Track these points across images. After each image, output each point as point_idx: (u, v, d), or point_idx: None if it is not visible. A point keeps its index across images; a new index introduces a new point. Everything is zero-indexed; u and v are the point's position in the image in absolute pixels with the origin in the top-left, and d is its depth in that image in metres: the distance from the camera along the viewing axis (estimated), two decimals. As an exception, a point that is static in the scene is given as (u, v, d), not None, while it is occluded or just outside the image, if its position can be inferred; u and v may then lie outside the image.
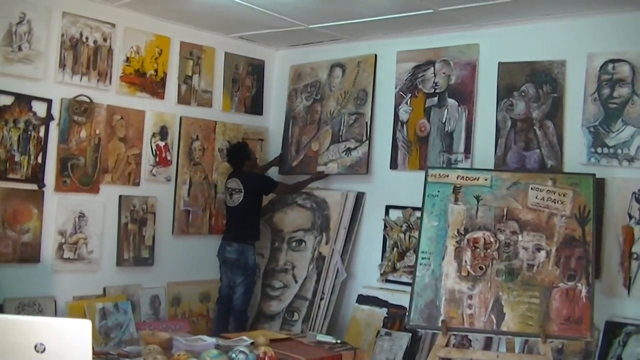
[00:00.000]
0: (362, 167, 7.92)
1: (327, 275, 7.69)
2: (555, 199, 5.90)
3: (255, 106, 8.86)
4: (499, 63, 7.03)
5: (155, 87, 7.77)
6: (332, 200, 7.91)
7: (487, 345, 6.68)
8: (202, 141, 8.20)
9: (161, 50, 7.81)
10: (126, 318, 7.24)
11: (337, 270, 7.71)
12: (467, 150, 7.20)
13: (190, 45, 8.12)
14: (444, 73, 7.42)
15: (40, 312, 6.72)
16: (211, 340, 5.13)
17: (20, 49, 6.71)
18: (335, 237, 7.77)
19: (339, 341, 5.80)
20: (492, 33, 7.13)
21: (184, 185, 8.06)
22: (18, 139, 6.73)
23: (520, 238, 5.88)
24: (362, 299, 7.68)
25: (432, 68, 7.51)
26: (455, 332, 6.07)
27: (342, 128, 8.15)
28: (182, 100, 8.04)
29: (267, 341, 5.23)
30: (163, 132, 7.84)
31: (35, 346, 3.44)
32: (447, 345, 5.83)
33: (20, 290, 6.73)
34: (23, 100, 6.76)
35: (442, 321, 5.79)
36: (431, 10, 6.70)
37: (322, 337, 5.86)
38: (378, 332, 7.31)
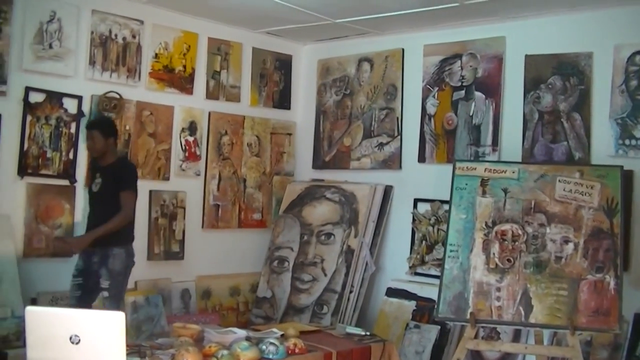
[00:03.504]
0: (395, 161, 7.96)
1: (356, 269, 7.71)
2: (582, 191, 5.89)
3: (283, 101, 8.91)
4: (526, 55, 7.02)
5: (183, 82, 7.83)
6: (361, 194, 7.93)
7: (516, 337, 6.69)
8: (230, 136, 8.25)
9: (189, 46, 7.86)
10: (157, 311, 7.31)
11: (366, 263, 7.74)
12: (495, 143, 7.20)
13: (218, 41, 8.17)
14: (470, 66, 7.43)
15: (72, 305, 6.80)
16: (242, 332, 5.17)
17: (50, 46, 6.79)
18: (364, 230, 7.78)
19: (368, 333, 5.80)
20: (518, 25, 7.13)
21: (213, 179, 8.11)
22: (50, 136, 6.82)
23: (548, 230, 5.88)
24: (391, 292, 7.71)
25: (459, 61, 7.52)
26: (484, 324, 6.09)
27: (373, 123, 8.18)
28: (211, 95, 8.10)
29: (297, 333, 5.27)
30: (192, 127, 7.90)
31: (70, 338, 3.51)
32: (475, 337, 5.86)
33: (53, 284, 6.81)
34: (54, 97, 6.85)
35: (471, 313, 5.81)
36: (457, 4, 6.71)
37: (351, 330, 5.87)
38: (407, 324, 7.33)
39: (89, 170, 6.90)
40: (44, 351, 3.59)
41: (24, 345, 3.86)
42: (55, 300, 6.76)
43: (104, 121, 6.76)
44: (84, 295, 6.45)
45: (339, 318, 7.50)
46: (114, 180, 6.45)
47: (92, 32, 7.11)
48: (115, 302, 6.36)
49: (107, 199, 6.41)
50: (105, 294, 6.38)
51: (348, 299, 7.64)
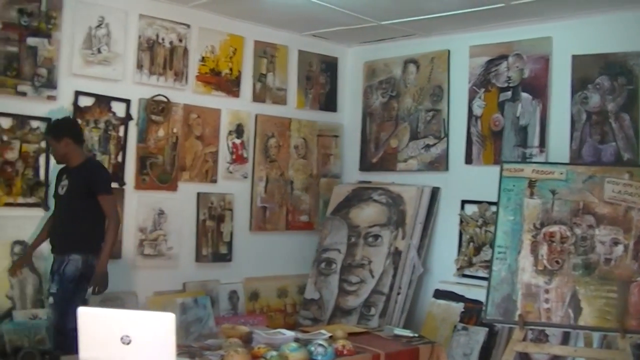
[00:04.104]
0: (442, 163, 7.94)
1: (404, 270, 7.69)
2: (632, 192, 5.84)
3: (329, 103, 8.92)
4: (573, 56, 6.96)
5: (230, 85, 7.87)
6: (408, 196, 7.91)
7: (565, 340, 6.63)
8: (277, 138, 8.28)
9: (235, 49, 7.91)
10: (205, 313, 7.35)
11: (414, 265, 7.72)
12: (542, 144, 7.15)
13: (264, 43, 8.20)
14: (517, 67, 7.38)
15: (122, 306, 6.83)
16: (290, 333, 5.18)
17: (99, 51, 6.87)
18: (411, 232, 7.77)
19: (416, 335, 5.79)
20: (565, 26, 7.07)
21: (260, 182, 8.14)
22: (99, 139, 6.89)
23: (597, 232, 5.83)
24: (439, 294, 7.69)
25: (505, 62, 7.47)
26: (532, 327, 6.05)
27: (419, 124, 8.16)
28: (257, 98, 8.13)
29: (345, 335, 5.27)
30: (239, 130, 7.94)
31: (122, 338, 3.55)
32: (523, 339, 5.82)
33: (103, 286, 6.89)
34: (103, 101, 6.92)
35: (519, 315, 5.78)
36: (503, 4, 6.67)
37: (399, 331, 5.86)
38: (455, 326, 7.31)
39: (57, 175, 6.44)
40: (96, 351, 3.64)
41: (75, 346, 3.91)
42: (105, 302, 6.79)
43: (53, 125, 6.27)
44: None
45: (386, 320, 7.49)
46: (83, 182, 6.07)
47: (139, 37, 7.18)
48: (59, 310, 5.89)
49: (74, 202, 6.07)
50: (51, 299, 5.99)
51: (396, 301, 7.62)
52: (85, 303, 5.87)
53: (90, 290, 5.98)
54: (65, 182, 6.14)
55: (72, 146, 6.11)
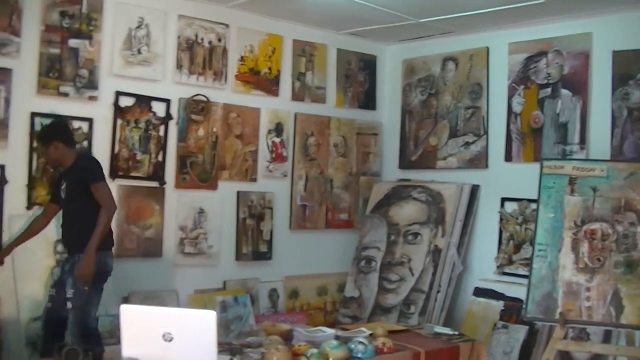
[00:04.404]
0: (482, 161, 7.91)
1: (444, 269, 7.67)
2: (674, 189, 5.80)
3: (368, 101, 8.92)
4: (614, 52, 6.91)
5: (269, 85, 7.90)
6: (448, 194, 7.90)
7: (606, 338, 6.58)
8: (317, 137, 8.30)
9: (274, 49, 7.94)
10: (246, 311, 7.39)
11: (454, 263, 7.70)
12: (583, 141, 7.10)
13: (303, 43, 8.23)
14: (556, 64, 7.33)
15: (163, 305, 6.88)
16: (331, 331, 5.18)
17: (139, 52, 6.93)
18: (451, 230, 7.75)
19: (457, 333, 5.78)
20: (605, 21, 7.00)
21: (300, 180, 8.18)
22: (139, 139, 6.96)
23: (638, 230, 5.78)
24: (479, 292, 7.66)
25: (545, 59, 7.43)
26: (574, 325, 6.01)
27: (459, 122, 8.14)
28: (297, 97, 8.16)
29: (385, 333, 5.27)
30: (278, 129, 7.97)
31: (164, 335, 3.58)
32: (564, 338, 5.79)
33: (144, 284, 6.96)
34: (143, 101, 6.98)
35: (560, 314, 5.74)
36: (542, 1, 6.64)
37: (440, 329, 5.84)
38: (495, 325, 7.28)
39: (57, 181, 6.30)
40: (138, 348, 3.67)
41: (117, 343, 3.95)
42: (146, 300, 6.87)
43: (41, 131, 6.18)
44: (55, 307, 5.92)
45: (426, 318, 7.48)
46: (77, 178, 5.93)
47: (179, 37, 7.23)
48: (78, 315, 5.77)
49: (75, 202, 5.93)
50: (69, 304, 5.77)
51: (435, 299, 7.61)
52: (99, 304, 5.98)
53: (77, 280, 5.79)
54: (64, 186, 6.03)
55: (63, 149, 6.00)
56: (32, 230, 6.20)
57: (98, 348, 5.46)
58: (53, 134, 6.03)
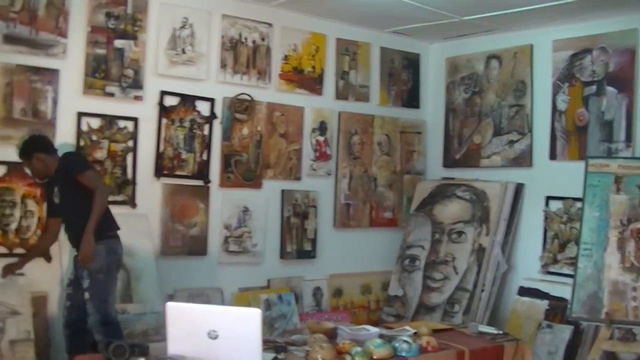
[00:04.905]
0: (526, 159, 7.86)
1: (488, 267, 7.64)
2: None
3: (411, 99, 8.90)
4: (660, 48, 6.86)
5: (313, 83, 7.92)
6: (492, 192, 7.86)
7: (653, 338, 6.53)
8: (360, 135, 8.30)
9: (317, 47, 7.95)
10: (290, 309, 7.41)
11: (498, 262, 7.67)
12: (628, 139, 7.02)
13: (346, 41, 8.23)
14: (601, 60, 7.26)
15: (207, 302, 6.93)
16: (375, 329, 5.19)
17: (183, 51, 6.98)
18: (495, 228, 7.71)
19: (501, 332, 5.75)
20: (651, 17, 6.96)
21: (344, 179, 8.18)
22: (184, 138, 7.01)
23: (685, 228, 5.74)
24: (523, 291, 7.61)
25: (590, 56, 7.36)
26: (620, 325, 5.96)
27: (503, 120, 8.09)
28: (340, 95, 8.17)
29: (429, 331, 5.26)
30: (322, 127, 7.98)
31: (209, 333, 3.61)
32: (610, 338, 5.74)
33: (189, 282, 7.03)
34: (188, 100, 7.03)
35: (606, 313, 5.71)
36: (588, -3, 6.60)
37: (484, 328, 5.82)
38: (539, 324, 7.23)
39: (46, 191, 6.20)
40: (184, 345, 3.71)
41: (162, 340, 3.98)
42: (191, 297, 6.93)
43: (20, 150, 5.94)
44: (74, 305, 5.91)
45: (470, 317, 7.45)
46: (63, 175, 5.82)
47: (222, 36, 7.27)
48: (97, 304, 5.74)
49: (70, 200, 5.87)
50: (87, 295, 5.75)
51: (479, 298, 7.58)
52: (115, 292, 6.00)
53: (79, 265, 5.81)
54: (56, 190, 5.94)
55: (45, 158, 5.89)
56: (40, 248, 6.19)
57: (118, 337, 5.60)
58: (32, 146, 5.90)
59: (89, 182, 5.76)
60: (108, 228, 5.92)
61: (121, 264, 6.07)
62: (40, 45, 6.25)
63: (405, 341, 4.79)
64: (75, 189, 5.77)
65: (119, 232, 6.01)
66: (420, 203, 8.44)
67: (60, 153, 6.03)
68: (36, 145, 5.89)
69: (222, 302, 7.12)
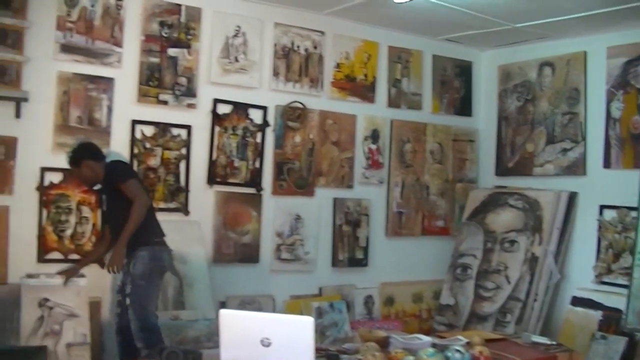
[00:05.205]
0: (579, 167, 7.77)
1: (540, 277, 7.57)
2: None
3: (464, 107, 8.87)
4: None
5: (365, 91, 7.92)
6: (545, 201, 7.79)
7: None
8: (413, 143, 8.28)
9: (370, 55, 7.95)
10: (341, 317, 7.40)
11: (551, 271, 7.59)
12: (684, 146, 6.95)
13: (398, 49, 8.22)
14: (657, 67, 7.20)
15: (259, 309, 6.98)
16: (427, 339, 5.17)
17: (236, 60, 7.03)
18: (548, 237, 7.64)
19: (554, 343, 5.69)
20: None
21: (396, 187, 8.17)
22: (237, 145, 7.05)
23: None
24: (576, 301, 7.53)
25: (645, 62, 7.30)
26: (676, 336, 5.88)
27: (556, 128, 8.02)
28: (392, 103, 8.17)
29: (482, 341, 5.22)
30: (374, 135, 7.98)
31: (262, 340, 3.61)
32: (667, 349, 5.67)
33: (241, 289, 7.07)
34: (240, 108, 7.08)
35: (662, 324, 5.64)
36: (643, 3, 6.52)
37: (537, 339, 5.77)
38: (593, 335, 7.15)
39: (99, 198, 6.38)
40: (237, 352, 3.71)
41: (214, 346, 4.00)
42: (243, 304, 6.97)
43: (69, 157, 5.97)
44: (123, 311, 5.92)
45: (522, 327, 7.39)
46: (108, 183, 5.94)
47: (275, 44, 7.31)
48: (137, 310, 5.77)
49: (115, 207, 5.93)
50: (128, 300, 5.82)
51: (532, 308, 7.51)
52: (157, 299, 5.99)
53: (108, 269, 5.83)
54: (103, 198, 6.10)
55: (94, 165, 5.93)
56: (95, 254, 6.26)
57: (158, 343, 5.58)
58: (81, 153, 5.96)
59: (129, 192, 5.80)
60: (153, 234, 5.98)
61: (165, 271, 6.07)
62: (96, 54, 6.35)
63: (457, 351, 4.75)
64: (119, 197, 5.83)
65: (165, 238, 6.05)
66: (473, 212, 8.39)
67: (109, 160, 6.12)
68: (85, 153, 5.96)
69: (274, 310, 7.16)
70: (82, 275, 6.04)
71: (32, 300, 5.74)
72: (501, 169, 8.66)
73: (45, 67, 6.15)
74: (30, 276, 5.88)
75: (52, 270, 5.98)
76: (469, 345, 5.08)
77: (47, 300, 5.78)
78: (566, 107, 7.94)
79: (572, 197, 7.77)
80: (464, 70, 8.87)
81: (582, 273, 7.66)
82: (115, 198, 5.88)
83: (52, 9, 6.18)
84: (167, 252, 6.03)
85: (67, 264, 6.13)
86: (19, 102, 6.03)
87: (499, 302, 7.75)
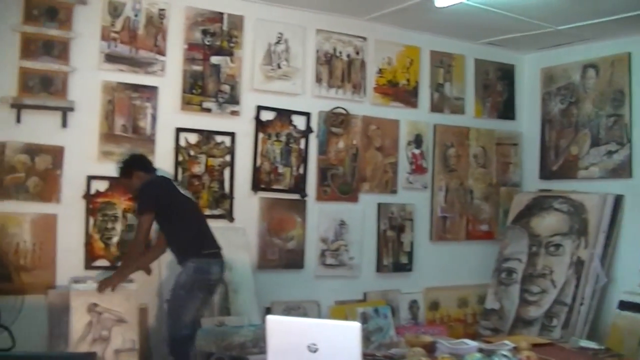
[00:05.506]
0: (625, 170, 7.71)
1: (587, 280, 7.51)
2: None
3: (507, 111, 8.83)
4: None
5: (408, 96, 7.92)
6: (590, 204, 7.73)
7: None
8: (456, 148, 8.27)
9: (412, 60, 7.95)
10: (386, 322, 7.40)
11: (597, 275, 7.53)
12: None
13: (440, 53, 8.21)
14: None
15: (304, 315, 7.02)
16: (474, 343, 5.15)
17: (279, 66, 7.08)
18: (594, 241, 7.58)
19: (602, 347, 5.64)
20: None
21: (440, 191, 8.16)
22: (280, 152, 7.09)
23: None
24: (624, 305, 7.45)
25: (691, 63, 7.23)
26: None
27: (600, 131, 7.96)
28: (435, 108, 8.15)
29: (529, 346, 5.18)
30: (418, 140, 7.98)
31: (309, 346, 3.62)
32: None
33: (285, 294, 7.10)
34: (284, 115, 7.12)
35: None
36: (688, 2, 6.46)
37: (585, 343, 5.72)
38: (641, 339, 7.10)
39: None
40: (284, 358, 3.72)
41: (260, 352, 4.02)
42: (288, 310, 6.99)
43: (120, 167, 6.15)
44: None
45: (569, 331, 7.34)
46: None
47: (317, 51, 7.34)
48: (171, 318, 5.88)
49: (158, 222, 6.04)
50: (165, 306, 6.03)
51: (578, 312, 7.46)
52: (197, 311, 5.95)
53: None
54: None
55: (144, 177, 6.06)
56: (149, 259, 6.31)
57: (185, 356, 5.68)
58: (133, 164, 6.11)
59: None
60: (202, 247, 5.99)
61: (212, 284, 6.04)
62: (140, 63, 6.43)
63: (505, 356, 4.73)
64: (159, 214, 5.95)
65: (219, 250, 6.07)
66: (517, 215, 8.35)
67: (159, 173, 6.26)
68: (136, 164, 6.10)
69: (319, 315, 7.18)
70: (131, 280, 6.12)
71: (81, 306, 5.82)
72: (545, 173, 8.61)
73: (90, 76, 6.25)
74: (76, 281, 5.98)
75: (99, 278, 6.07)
76: (516, 350, 5.05)
77: (96, 305, 5.86)
78: (611, 109, 7.88)
79: (618, 200, 7.70)
80: (507, 74, 8.83)
81: (628, 276, 7.57)
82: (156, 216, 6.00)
83: (97, 20, 6.27)
84: (218, 265, 6.01)
85: (113, 271, 6.19)
86: (65, 111, 6.14)
87: (544, 306, 7.70)
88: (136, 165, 6.09)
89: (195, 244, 5.96)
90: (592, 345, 5.65)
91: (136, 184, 6.04)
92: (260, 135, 6.98)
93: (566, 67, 8.43)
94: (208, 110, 6.73)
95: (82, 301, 5.82)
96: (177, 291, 5.85)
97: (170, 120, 6.58)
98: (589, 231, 7.63)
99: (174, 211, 5.96)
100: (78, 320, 5.77)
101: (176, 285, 5.86)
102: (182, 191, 6.15)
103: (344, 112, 7.43)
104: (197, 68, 6.69)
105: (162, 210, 5.92)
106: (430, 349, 4.97)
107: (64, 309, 5.81)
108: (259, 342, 5.94)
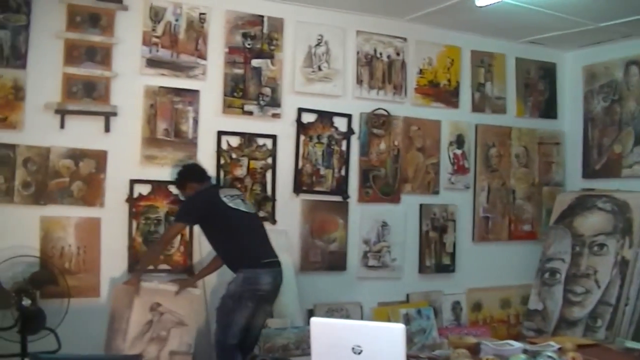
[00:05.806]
0: (670, 169, 7.65)
1: (632, 280, 7.44)
2: None
3: (549, 110, 8.77)
4: None
5: (449, 96, 7.90)
6: (634, 203, 7.65)
7: None
8: (498, 147, 8.23)
9: (452, 60, 7.93)
10: (429, 323, 7.38)
11: (642, 274, 7.48)
12: None
13: (481, 53, 8.18)
14: None
15: (347, 317, 7.03)
16: (518, 344, 5.12)
17: (319, 68, 7.09)
18: (639, 240, 7.51)
19: (649, 348, 5.60)
20: None
21: (482, 192, 8.13)
22: (322, 154, 7.11)
23: None
24: (670, 305, 7.41)
25: None
26: None
27: (644, 129, 7.91)
28: (476, 108, 8.12)
29: (575, 347, 5.14)
30: (459, 141, 7.95)
31: (353, 348, 3.62)
32: None
33: (328, 296, 7.12)
34: (325, 117, 7.13)
35: None
36: None
37: (631, 344, 5.66)
38: (690, 340, 7.02)
39: None
40: (328, 360, 3.74)
41: (302, 354, 4.03)
42: (330, 312, 7.00)
43: (176, 178, 6.29)
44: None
45: (614, 332, 7.27)
46: None
47: (357, 52, 7.35)
48: (218, 326, 5.88)
49: (204, 230, 6.16)
50: (216, 313, 5.98)
51: (623, 312, 7.39)
52: (248, 320, 5.87)
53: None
54: None
55: (198, 187, 6.12)
56: (211, 268, 6.36)
57: None
58: (185, 176, 6.21)
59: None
60: (255, 256, 5.94)
61: (261, 294, 5.90)
62: (181, 67, 6.48)
63: (550, 357, 4.70)
64: (202, 226, 6.12)
65: (272, 260, 6.04)
66: (560, 215, 8.28)
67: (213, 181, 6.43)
68: (189, 176, 6.21)
69: (362, 317, 7.18)
70: (195, 286, 6.20)
71: (145, 303, 5.90)
72: (588, 172, 8.54)
73: (132, 81, 6.32)
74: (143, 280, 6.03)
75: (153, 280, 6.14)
76: (560, 351, 5.01)
77: (159, 305, 5.94)
78: (655, 107, 7.82)
79: (663, 199, 7.64)
80: (548, 72, 8.77)
81: (674, 276, 7.52)
82: (203, 227, 6.14)
83: (138, 25, 6.34)
84: (270, 275, 5.94)
85: (159, 274, 6.25)
86: (108, 116, 6.21)
87: (588, 306, 7.64)
88: (189, 177, 6.18)
89: (244, 254, 5.92)
90: (638, 346, 5.59)
91: (189, 194, 6.15)
92: (302, 137, 7.00)
93: (608, 65, 8.35)
94: (249, 113, 6.76)
95: (146, 299, 5.90)
96: (226, 300, 5.85)
97: (211, 123, 6.63)
98: (634, 230, 7.55)
99: (218, 223, 5.99)
100: (139, 318, 5.85)
101: (226, 294, 5.86)
102: (233, 201, 6.06)
103: (385, 113, 7.43)
104: (238, 71, 6.73)
105: (207, 222, 6.03)
106: (474, 350, 4.95)
107: (128, 304, 5.88)
108: (302, 344, 5.98)
